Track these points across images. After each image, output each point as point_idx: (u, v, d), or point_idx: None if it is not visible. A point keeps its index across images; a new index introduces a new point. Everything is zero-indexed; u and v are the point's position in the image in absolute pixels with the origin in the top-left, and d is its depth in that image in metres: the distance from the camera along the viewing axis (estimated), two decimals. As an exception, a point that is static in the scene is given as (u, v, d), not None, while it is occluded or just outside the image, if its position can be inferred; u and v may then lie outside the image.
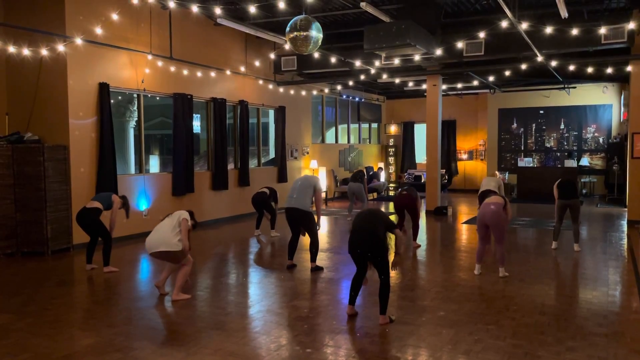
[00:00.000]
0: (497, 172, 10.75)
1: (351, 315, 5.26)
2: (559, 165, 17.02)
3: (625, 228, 10.64)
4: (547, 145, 18.19)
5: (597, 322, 5.04)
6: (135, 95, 10.45)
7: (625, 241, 9.24)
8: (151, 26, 9.95)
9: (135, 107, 11.49)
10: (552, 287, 6.36)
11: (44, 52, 8.29)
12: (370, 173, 17.29)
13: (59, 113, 8.71)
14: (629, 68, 11.42)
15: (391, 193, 18.60)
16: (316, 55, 11.94)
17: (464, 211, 13.85)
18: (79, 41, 8.35)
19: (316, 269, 7.23)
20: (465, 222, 11.76)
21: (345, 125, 18.44)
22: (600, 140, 17.38)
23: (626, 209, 11.94)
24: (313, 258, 7.29)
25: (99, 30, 8.51)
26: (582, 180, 16.83)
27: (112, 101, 9.46)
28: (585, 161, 17.19)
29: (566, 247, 8.57)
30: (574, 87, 16.95)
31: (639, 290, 6.11)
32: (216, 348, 4.46)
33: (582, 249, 8.39)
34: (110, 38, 9.17)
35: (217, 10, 8.40)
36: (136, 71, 9.82)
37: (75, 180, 8.79)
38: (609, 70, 12.84)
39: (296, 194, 7.19)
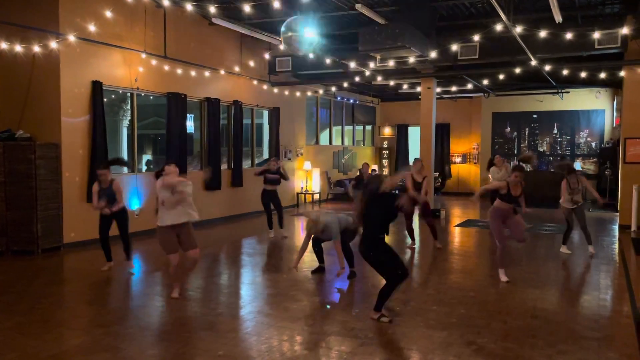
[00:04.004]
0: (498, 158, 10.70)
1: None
2: (552, 170, 17.08)
3: (616, 232, 10.67)
4: (540, 149, 18.26)
5: (588, 326, 5.04)
6: (128, 94, 10.40)
7: (616, 245, 9.28)
8: (145, 24, 9.90)
9: (129, 106, 11.41)
10: (543, 291, 6.36)
11: (37, 49, 8.22)
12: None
13: (51, 111, 8.64)
14: (622, 73, 11.47)
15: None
16: (311, 56, 11.91)
17: (457, 214, 13.85)
18: (72, 38, 8.29)
19: (352, 275, 6.90)
20: (458, 225, 11.76)
21: (340, 127, 18.42)
22: (593, 145, 17.47)
23: (618, 214, 11.99)
24: (351, 263, 6.97)
25: (92, 28, 8.43)
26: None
27: (105, 100, 9.40)
28: (577, 166, 17.26)
29: (558, 251, 8.59)
30: (567, 92, 17.04)
31: (630, 294, 6.12)
32: (206, 349, 4.42)
33: (574, 253, 8.41)
34: (103, 36, 9.10)
35: (212, 10, 8.38)
36: (130, 70, 9.76)
37: (67, 178, 8.72)
38: (602, 75, 12.89)
39: None
